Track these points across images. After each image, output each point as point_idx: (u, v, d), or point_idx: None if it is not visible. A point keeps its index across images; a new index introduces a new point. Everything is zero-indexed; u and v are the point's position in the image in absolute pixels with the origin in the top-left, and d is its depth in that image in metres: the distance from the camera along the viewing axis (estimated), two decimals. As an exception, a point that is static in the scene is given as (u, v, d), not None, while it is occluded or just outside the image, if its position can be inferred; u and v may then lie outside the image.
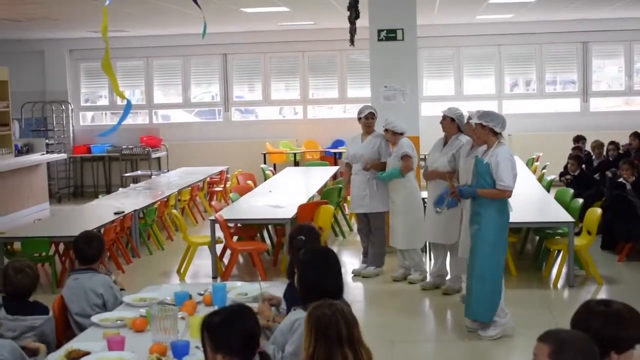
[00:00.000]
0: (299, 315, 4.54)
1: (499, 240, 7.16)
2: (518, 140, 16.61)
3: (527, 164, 14.38)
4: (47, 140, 17.49)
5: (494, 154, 7.01)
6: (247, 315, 3.78)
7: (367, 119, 9.70)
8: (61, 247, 10.25)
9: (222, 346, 3.66)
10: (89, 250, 6.03)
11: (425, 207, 9.21)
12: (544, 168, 14.01)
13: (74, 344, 4.79)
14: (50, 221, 12.47)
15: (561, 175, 13.28)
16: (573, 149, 14.07)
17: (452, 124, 8.66)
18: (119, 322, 5.22)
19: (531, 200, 10.21)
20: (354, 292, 9.08)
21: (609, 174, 12.31)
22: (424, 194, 9.32)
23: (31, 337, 5.13)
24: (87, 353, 4.54)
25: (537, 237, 10.43)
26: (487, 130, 7.05)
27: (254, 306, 5.41)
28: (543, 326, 7.20)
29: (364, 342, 3.93)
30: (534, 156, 15.28)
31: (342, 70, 18.20)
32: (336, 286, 4.70)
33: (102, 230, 9.82)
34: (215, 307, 5.38)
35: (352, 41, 10.49)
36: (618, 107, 18.22)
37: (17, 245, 9.69)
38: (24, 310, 5.27)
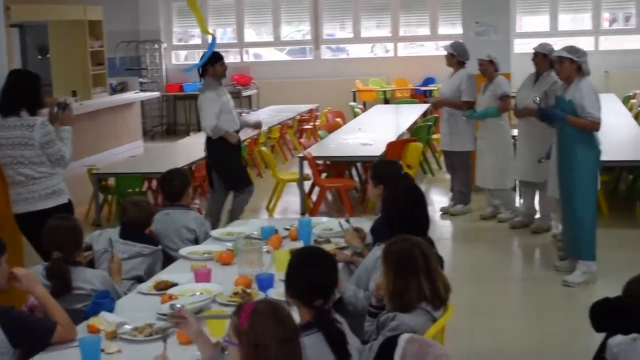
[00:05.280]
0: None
1: (594, 178, 7.08)
2: (615, 77, 16.14)
3: (623, 102, 13.99)
4: (140, 79, 17.79)
5: (578, 89, 6.87)
6: (319, 265, 3.78)
7: (446, 56, 9.57)
8: (154, 183, 10.46)
9: (289, 288, 3.72)
10: (170, 187, 6.21)
11: (515, 145, 9.07)
12: (640, 106, 13.62)
13: (162, 276, 4.92)
14: (143, 158, 12.73)
15: None
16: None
17: (544, 60, 8.45)
18: (206, 255, 5.34)
19: (626, 138, 9.96)
20: (442, 229, 9.04)
21: None
22: (514, 132, 9.17)
23: (141, 261, 5.35)
24: (175, 284, 4.66)
25: (631, 177, 10.19)
26: (575, 66, 6.90)
27: (339, 241, 5.48)
28: (634, 266, 7.13)
29: (442, 273, 3.96)
30: (631, 93, 14.84)
31: (433, 7, 17.89)
32: (422, 222, 4.69)
33: (193, 167, 9.99)
34: (301, 242, 5.44)
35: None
36: None
37: (111, 181, 9.93)
38: (138, 239, 5.46)
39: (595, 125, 6.92)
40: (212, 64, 8.65)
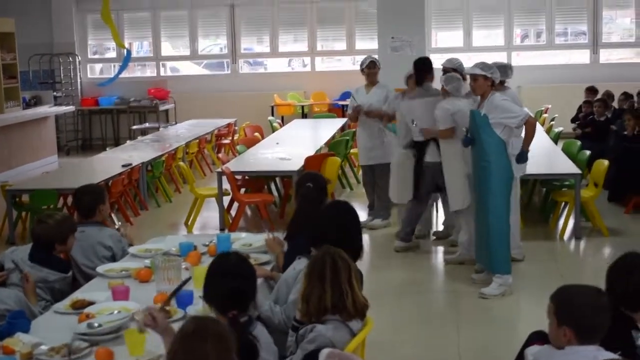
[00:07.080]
0: (303, 264, 4.56)
1: (507, 192, 7.20)
2: (527, 92, 16.48)
3: (535, 116, 14.28)
4: (54, 93, 17.48)
5: (489, 104, 7.07)
6: (237, 275, 3.82)
7: (370, 69, 9.60)
8: (69, 199, 10.28)
9: (205, 294, 3.81)
10: (80, 203, 6.10)
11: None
12: (552, 120, 13.94)
13: (79, 294, 4.83)
14: (58, 173, 12.51)
15: (576, 122, 13.30)
16: (585, 102, 13.94)
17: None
18: (123, 272, 5.27)
19: (538, 152, 10.11)
20: (361, 243, 9.07)
21: (613, 127, 12.18)
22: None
23: (42, 289, 5.18)
24: (92, 303, 4.58)
25: (544, 189, 10.42)
26: (489, 82, 7.09)
27: (258, 257, 5.47)
28: (549, 278, 7.32)
29: (356, 288, 3.99)
30: (543, 108, 15.19)
31: (350, 22, 18.06)
32: (336, 236, 4.69)
33: (109, 183, 9.85)
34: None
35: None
36: (629, 59, 18.00)
37: (25, 198, 9.72)
38: (46, 263, 5.30)
39: (530, 121, 7.20)
40: (429, 70, 8.59)
